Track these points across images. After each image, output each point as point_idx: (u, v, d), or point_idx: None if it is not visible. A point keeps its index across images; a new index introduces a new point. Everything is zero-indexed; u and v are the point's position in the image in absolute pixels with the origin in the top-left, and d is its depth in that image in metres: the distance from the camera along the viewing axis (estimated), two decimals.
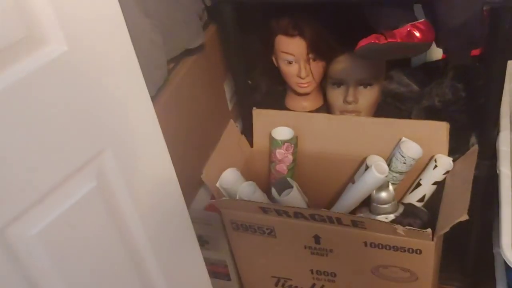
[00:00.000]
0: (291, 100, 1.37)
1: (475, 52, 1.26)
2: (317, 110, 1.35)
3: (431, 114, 1.20)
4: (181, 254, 1.08)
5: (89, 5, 0.72)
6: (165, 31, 1.07)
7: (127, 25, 0.82)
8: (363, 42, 0.89)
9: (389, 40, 0.85)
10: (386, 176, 1.00)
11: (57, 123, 0.72)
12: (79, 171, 0.79)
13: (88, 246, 0.86)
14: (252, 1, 1.10)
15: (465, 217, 0.89)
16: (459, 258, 1.25)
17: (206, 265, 1.49)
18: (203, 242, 1.38)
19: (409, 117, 1.22)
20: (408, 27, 0.85)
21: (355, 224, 0.96)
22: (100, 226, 0.87)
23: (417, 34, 0.84)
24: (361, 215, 1.07)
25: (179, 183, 1.09)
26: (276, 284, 1.21)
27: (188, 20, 1.13)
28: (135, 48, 0.90)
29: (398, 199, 1.13)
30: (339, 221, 0.97)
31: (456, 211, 0.92)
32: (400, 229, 0.91)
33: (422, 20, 0.87)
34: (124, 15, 0.82)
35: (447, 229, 0.92)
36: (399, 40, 0.85)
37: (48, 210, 0.75)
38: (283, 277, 1.19)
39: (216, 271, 1.44)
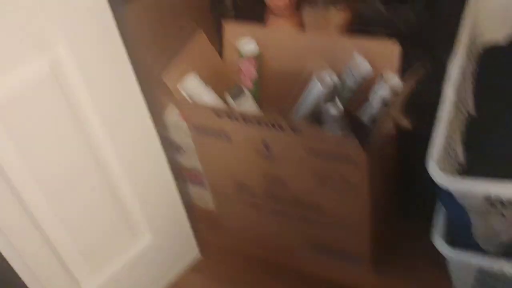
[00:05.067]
0: (272, 21, 1.42)
1: None
2: None
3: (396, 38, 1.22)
4: (141, 150, 1.17)
5: None
6: None
7: None
8: None
9: None
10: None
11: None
12: (34, 55, 0.90)
13: (46, 127, 0.97)
14: None
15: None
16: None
17: (183, 171, 1.59)
18: (178, 148, 1.48)
19: None
20: None
21: (293, 129, 1.03)
22: (57, 110, 0.97)
23: None
24: None
25: (157, 92, 1.17)
26: (237, 189, 1.30)
27: None
28: None
29: None
30: (280, 127, 1.04)
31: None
32: (328, 134, 0.97)
33: None
34: None
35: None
36: None
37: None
38: (241, 182, 1.28)
39: (192, 178, 1.54)
